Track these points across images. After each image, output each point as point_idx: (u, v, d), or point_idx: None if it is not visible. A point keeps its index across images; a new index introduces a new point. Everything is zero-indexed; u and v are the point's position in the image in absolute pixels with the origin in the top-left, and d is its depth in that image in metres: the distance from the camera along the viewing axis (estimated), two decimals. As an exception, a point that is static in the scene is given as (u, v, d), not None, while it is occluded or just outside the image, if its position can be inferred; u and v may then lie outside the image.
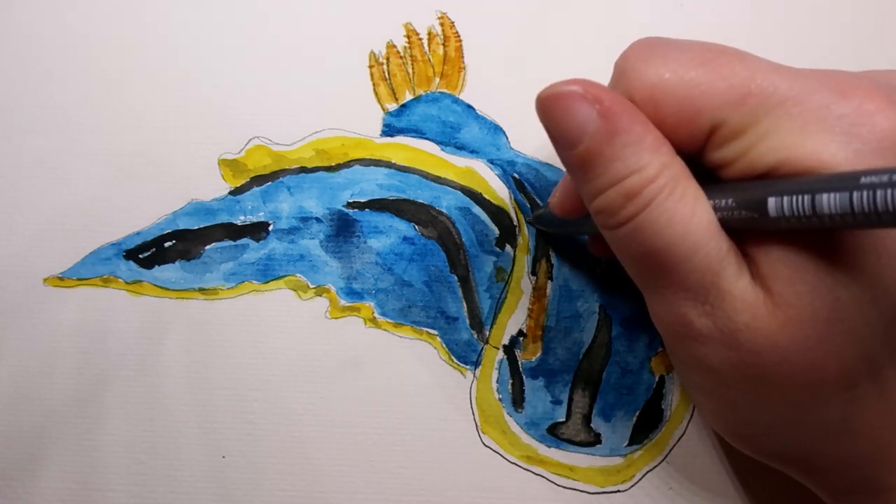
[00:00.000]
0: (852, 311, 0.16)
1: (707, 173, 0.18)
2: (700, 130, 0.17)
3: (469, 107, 0.27)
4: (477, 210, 0.27)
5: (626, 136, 0.17)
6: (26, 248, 0.26)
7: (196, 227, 0.26)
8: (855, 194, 0.14)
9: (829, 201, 0.14)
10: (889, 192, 0.13)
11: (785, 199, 0.15)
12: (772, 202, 0.15)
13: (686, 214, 0.17)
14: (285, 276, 0.26)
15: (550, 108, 0.17)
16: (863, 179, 0.14)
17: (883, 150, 0.16)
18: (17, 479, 0.25)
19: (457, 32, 0.28)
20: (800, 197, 0.15)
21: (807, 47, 0.28)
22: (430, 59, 0.28)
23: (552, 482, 0.25)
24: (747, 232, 0.17)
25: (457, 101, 0.28)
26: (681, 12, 0.29)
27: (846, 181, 0.14)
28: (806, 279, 0.16)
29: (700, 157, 0.18)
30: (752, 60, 0.17)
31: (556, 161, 0.27)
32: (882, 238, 0.16)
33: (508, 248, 0.26)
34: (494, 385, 0.25)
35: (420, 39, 0.28)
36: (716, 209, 0.17)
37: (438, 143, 0.27)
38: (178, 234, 0.26)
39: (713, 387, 0.19)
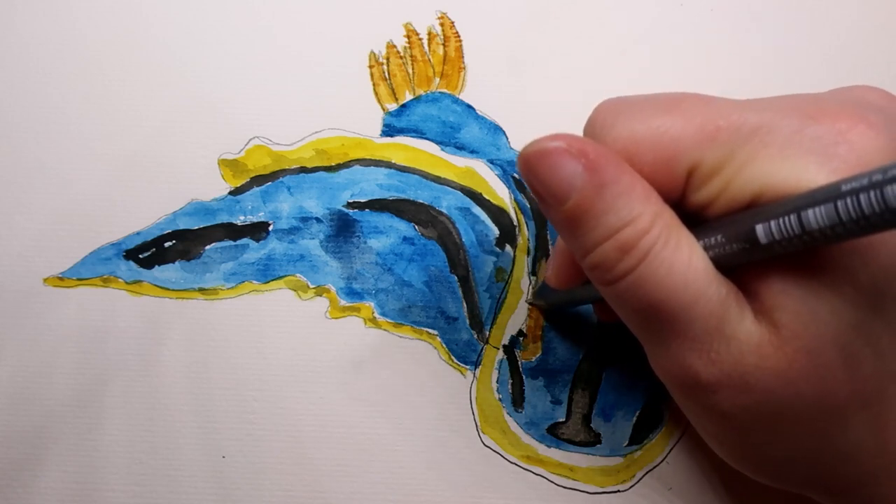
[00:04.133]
0: (858, 331, 0.16)
1: (690, 219, 0.18)
2: (678, 175, 0.17)
3: (469, 107, 0.27)
4: (477, 210, 0.27)
5: (616, 187, 0.16)
6: (26, 248, 0.26)
7: (196, 227, 0.26)
8: (839, 203, 0.14)
9: (815, 216, 0.14)
10: (872, 194, 0.13)
11: (772, 223, 0.15)
12: (760, 229, 0.15)
13: (683, 263, 0.16)
14: (285, 276, 0.26)
15: (535, 166, 0.17)
16: (843, 187, 0.14)
17: (863, 166, 0.15)
18: (17, 479, 0.25)
19: (457, 32, 0.28)
20: (786, 218, 0.15)
21: (806, 47, 0.28)
22: (430, 59, 0.28)
23: (552, 482, 0.25)
24: (744, 266, 0.17)
25: (457, 101, 0.28)
26: (681, 12, 0.29)
27: (828, 192, 0.14)
28: (810, 306, 0.16)
29: (681, 202, 0.18)
30: (716, 100, 0.17)
31: (556, 161, 0.27)
32: (877, 251, 0.16)
33: (508, 248, 0.26)
34: (494, 385, 0.25)
35: (420, 39, 0.28)
36: (707, 248, 0.17)
37: (438, 143, 0.27)
38: (178, 234, 0.26)
39: (728, 431, 0.18)
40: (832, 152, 0.16)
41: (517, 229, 0.26)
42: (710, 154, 0.17)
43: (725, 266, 0.17)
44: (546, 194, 0.17)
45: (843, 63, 0.28)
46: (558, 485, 0.25)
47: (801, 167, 0.16)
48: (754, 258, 0.16)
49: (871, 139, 0.16)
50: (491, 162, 0.27)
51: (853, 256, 0.16)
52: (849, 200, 0.13)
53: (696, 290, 0.16)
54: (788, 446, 0.18)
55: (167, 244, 0.26)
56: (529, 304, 0.26)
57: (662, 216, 0.17)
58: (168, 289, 0.26)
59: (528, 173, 0.17)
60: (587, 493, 0.25)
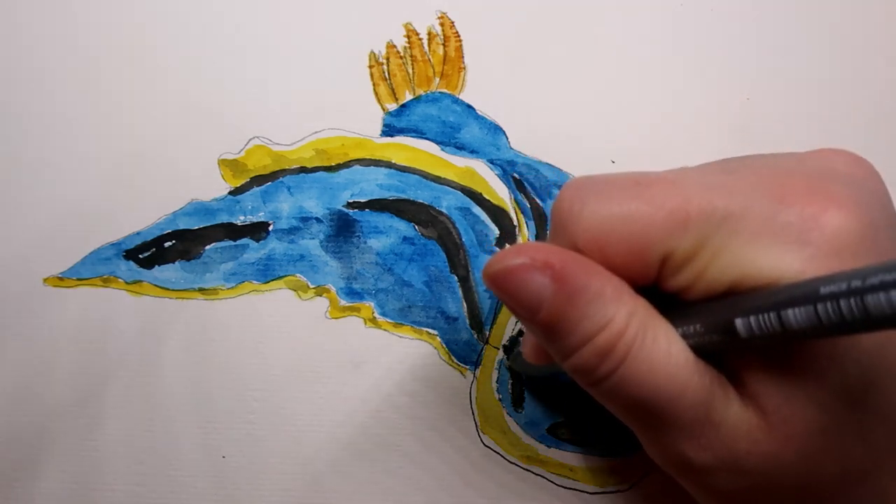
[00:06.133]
0: (848, 414, 0.16)
1: (669, 299, 0.18)
2: (652, 263, 0.17)
3: (469, 107, 0.27)
4: (477, 210, 0.27)
5: (585, 293, 0.16)
6: (26, 248, 0.26)
7: (196, 227, 0.26)
8: (819, 306, 0.13)
9: (795, 316, 0.14)
10: (852, 301, 0.13)
11: (752, 318, 0.15)
12: (739, 323, 0.15)
13: (663, 359, 0.16)
14: (285, 276, 0.26)
15: (501, 284, 0.17)
16: (822, 290, 0.13)
17: (837, 250, 0.15)
18: (17, 479, 0.25)
19: (457, 32, 0.28)
20: (766, 315, 0.15)
21: (806, 47, 0.28)
22: (430, 59, 0.28)
23: (552, 482, 0.25)
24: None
25: (457, 101, 0.28)
26: (681, 12, 0.29)
27: (807, 292, 0.14)
28: (795, 393, 0.16)
29: (658, 285, 0.18)
30: (683, 182, 0.17)
31: (557, 161, 0.27)
32: (861, 337, 0.16)
33: (508, 248, 0.26)
34: (494, 385, 0.25)
35: (420, 39, 0.28)
36: (686, 336, 0.17)
37: (438, 143, 0.27)
38: (178, 234, 0.26)
39: None
40: (805, 239, 0.16)
41: (517, 229, 0.26)
42: (683, 243, 0.16)
43: (707, 353, 0.17)
44: (517, 309, 0.17)
45: (844, 63, 0.28)
46: (558, 485, 0.25)
47: (776, 256, 0.16)
48: (735, 348, 0.16)
49: (841, 221, 0.16)
50: (491, 162, 0.27)
51: (837, 344, 0.16)
52: (829, 305, 0.13)
53: (679, 384, 0.16)
54: None
55: (167, 244, 0.26)
56: (507, 367, 0.25)
57: (637, 313, 0.17)
58: (168, 289, 0.26)
59: (496, 291, 0.17)
60: (587, 493, 0.25)
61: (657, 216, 0.16)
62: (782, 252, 0.16)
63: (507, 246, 0.26)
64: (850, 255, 0.16)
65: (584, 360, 0.17)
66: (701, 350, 0.17)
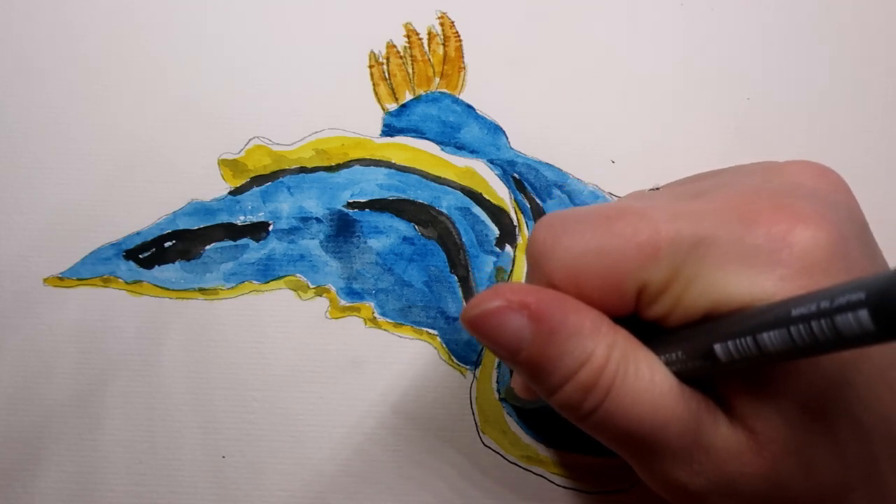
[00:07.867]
0: (835, 422, 0.16)
1: (650, 327, 0.18)
2: (627, 295, 0.17)
3: (469, 107, 0.27)
4: (477, 210, 0.27)
5: (564, 330, 0.16)
6: (26, 248, 0.26)
7: (196, 227, 0.26)
8: (792, 329, 0.14)
9: (770, 339, 0.14)
10: (823, 322, 0.13)
11: (730, 343, 0.15)
12: (718, 348, 0.15)
13: (647, 389, 0.16)
14: (285, 276, 0.26)
15: (480, 328, 0.17)
16: (794, 312, 0.14)
17: (808, 268, 0.16)
18: (17, 479, 0.25)
19: (457, 32, 0.28)
20: (743, 340, 0.15)
21: (807, 47, 0.28)
22: (430, 59, 0.28)
23: (552, 482, 0.25)
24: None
25: (457, 101, 0.28)
26: (681, 12, 0.29)
27: (780, 316, 0.14)
28: (778, 411, 0.16)
29: (638, 314, 0.18)
30: (651, 212, 0.17)
31: (556, 161, 0.27)
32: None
33: (508, 248, 0.26)
34: (494, 385, 0.25)
35: (420, 39, 0.28)
36: (669, 363, 0.17)
37: (438, 143, 0.27)
38: (178, 234, 0.26)
39: None
40: (775, 259, 0.16)
41: (517, 229, 0.26)
42: (655, 273, 0.16)
43: (692, 378, 0.17)
44: (498, 351, 0.17)
45: (844, 63, 0.28)
46: (558, 485, 0.25)
47: (748, 280, 0.16)
48: (718, 372, 0.16)
49: (809, 239, 0.16)
50: (491, 162, 0.27)
51: (817, 359, 0.16)
52: (801, 327, 0.13)
53: (665, 412, 0.16)
54: None
55: (167, 244, 0.26)
56: (502, 399, 0.25)
57: (617, 345, 0.17)
58: (168, 289, 0.26)
59: (475, 335, 0.17)
60: (587, 493, 0.25)
61: (627, 249, 0.17)
62: (754, 275, 0.16)
63: (508, 246, 0.26)
64: (821, 271, 0.16)
65: (568, 396, 0.17)
66: (686, 375, 0.17)
